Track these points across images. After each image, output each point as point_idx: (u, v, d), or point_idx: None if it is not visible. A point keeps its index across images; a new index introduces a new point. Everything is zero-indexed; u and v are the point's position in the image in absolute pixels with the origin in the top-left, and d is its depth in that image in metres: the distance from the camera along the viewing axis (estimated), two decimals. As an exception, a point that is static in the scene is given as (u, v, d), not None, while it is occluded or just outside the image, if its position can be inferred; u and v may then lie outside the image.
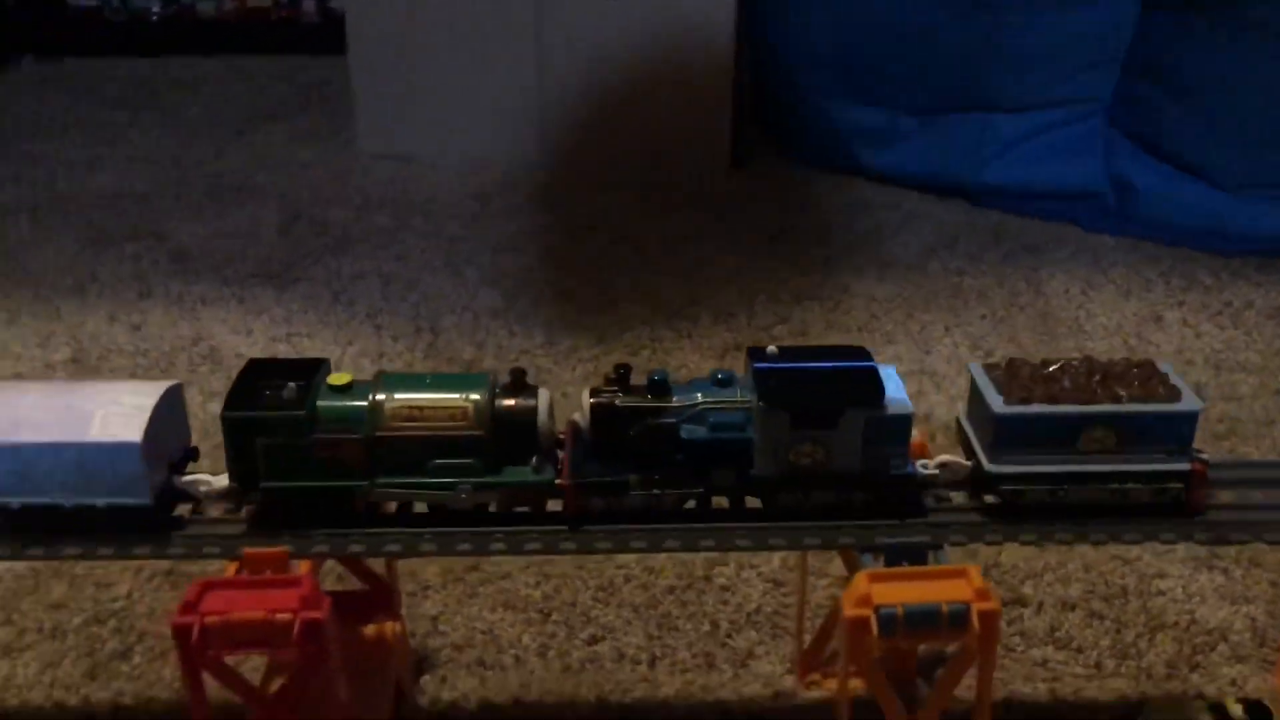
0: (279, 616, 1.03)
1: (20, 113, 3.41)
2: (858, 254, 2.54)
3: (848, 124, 2.87)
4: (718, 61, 2.91)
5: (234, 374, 1.14)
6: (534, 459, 1.11)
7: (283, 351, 2.13)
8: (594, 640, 1.47)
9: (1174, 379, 1.13)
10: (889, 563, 1.12)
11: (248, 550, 1.10)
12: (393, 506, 1.15)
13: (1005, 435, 1.10)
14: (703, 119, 2.96)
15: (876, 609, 1.01)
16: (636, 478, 1.11)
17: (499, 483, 1.11)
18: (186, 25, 3.95)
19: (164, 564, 1.56)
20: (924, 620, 1.01)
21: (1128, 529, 1.13)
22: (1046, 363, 1.14)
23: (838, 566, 1.44)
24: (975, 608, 1.01)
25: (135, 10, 3.93)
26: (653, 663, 1.44)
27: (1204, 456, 1.13)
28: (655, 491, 1.11)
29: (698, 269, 2.49)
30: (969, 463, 1.15)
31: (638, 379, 1.12)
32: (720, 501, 1.15)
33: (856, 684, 1.09)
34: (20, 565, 1.56)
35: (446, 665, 1.42)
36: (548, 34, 2.89)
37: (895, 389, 1.10)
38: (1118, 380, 1.11)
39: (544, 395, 1.12)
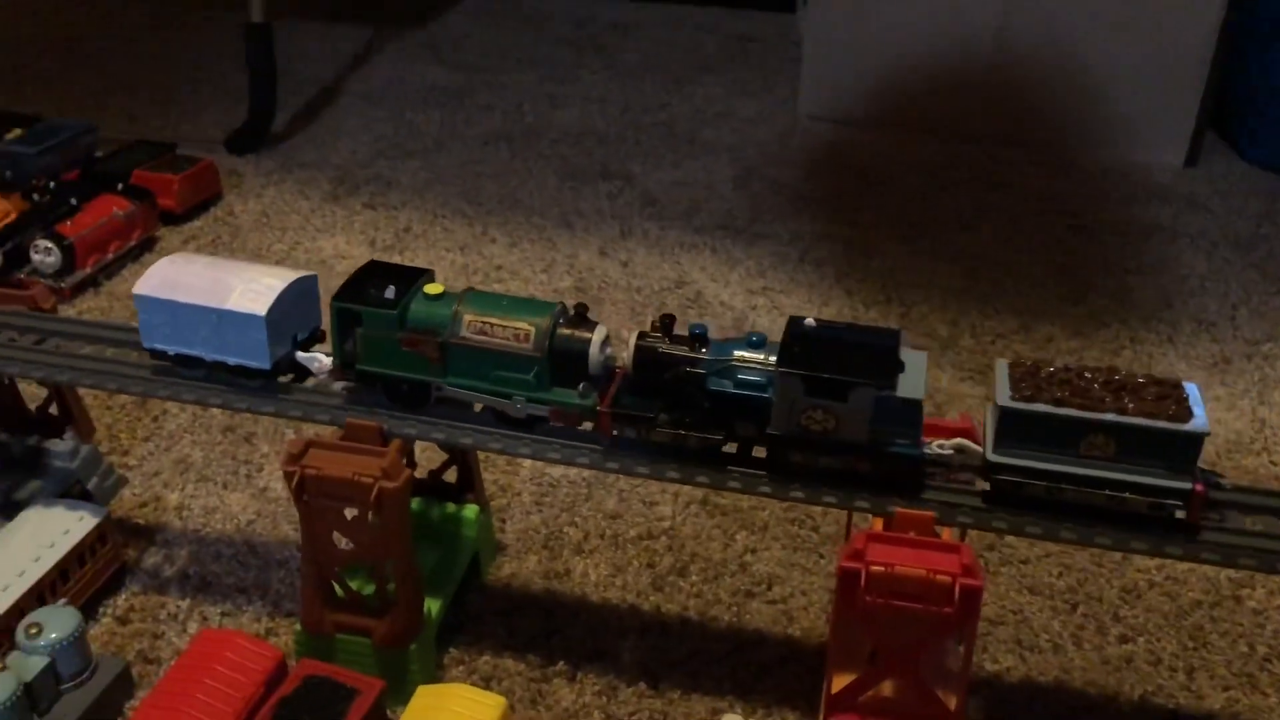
0: (939, 577, 1.12)
1: (478, 43, 3.70)
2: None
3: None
4: (1194, 57, 2.78)
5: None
6: (581, 384, 1.24)
7: (760, 305, 2.24)
8: (1125, 639, 1.49)
9: (1193, 403, 1.13)
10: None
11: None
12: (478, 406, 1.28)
13: (1008, 428, 1.15)
14: (1167, 112, 2.85)
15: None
16: (666, 417, 1.21)
17: (548, 400, 1.25)
18: (621, -29, 4.13)
19: (699, 493, 1.70)
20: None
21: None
22: (1070, 368, 1.17)
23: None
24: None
25: (575, -47, 4.16)
26: (1190, 673, 1.45)
27: (1219, 480, 1.15)
28: (681, 431, 1.21)
29: (1164, 268, 2.42)
30: (981, 450, 1.19)
31: (681, 330, 1.23)
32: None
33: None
34: (574, 474, 1.74)
35: (984, 638, 1.48)
36: (1014, 9, 2.85)
37: (914, 375, 1.15)
38: (1132, 394, 1.14)
39: (600, 330, 1.24)
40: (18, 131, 2.57)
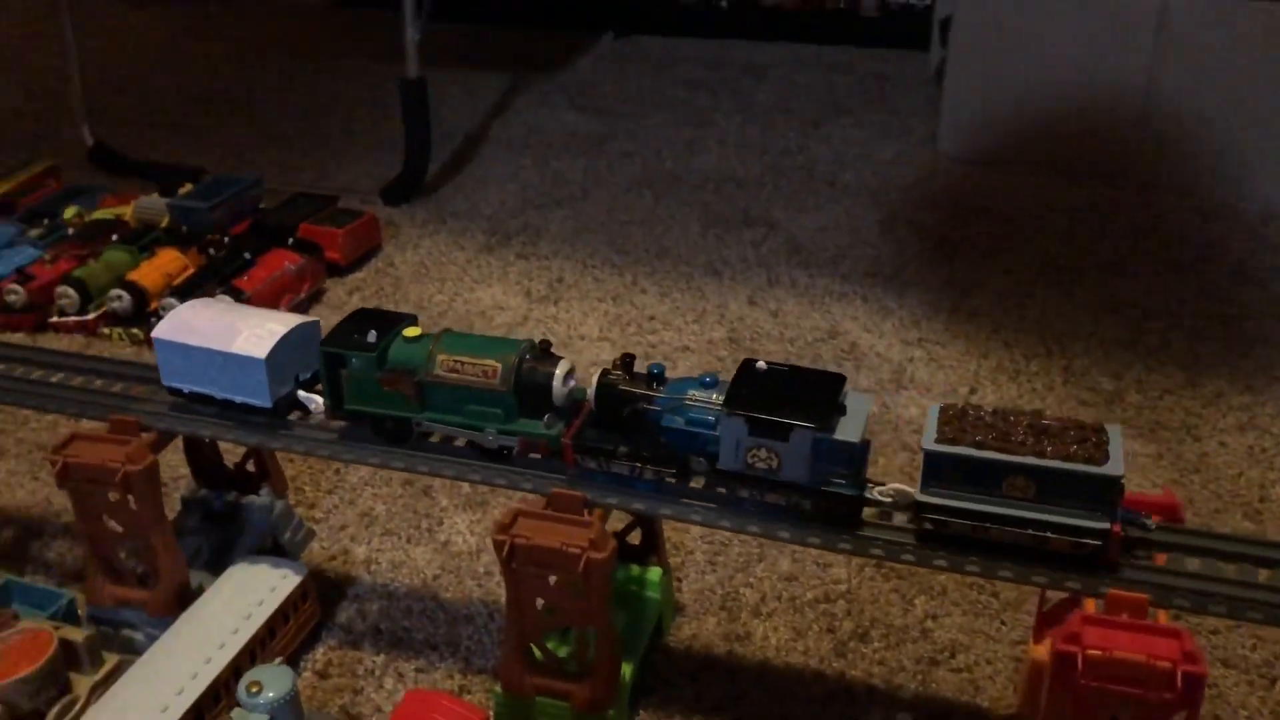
0: (1160, 663, 1.11)
1: (612, 88, 3.76)
2: None
3: None
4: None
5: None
6: (547, 416, 1.33)
7: (917, 357, 2.23)
8: (1330, 718, 1.45)
9: (1113, 446, 1.17)
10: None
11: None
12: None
13: (932, 470, 1.20)
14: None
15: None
16: (625, 449, 1.30)
17: (516, 430, 1.34)
18: (750, 11, 4.17)
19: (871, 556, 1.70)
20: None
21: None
22: (997, 412, 1.22)
23: None
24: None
25: (706, -6, 4.21)
26: (1404, 756, 1.40)
27: (1145, 521, 1.21)
28: (637, 464, 1.30)
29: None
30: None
31: (641, 368, 1.32)
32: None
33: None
34: (748, 538, 1.75)
35: (1180, 713, 1.45)
36: (1166, 46, 2.80)
37: (855, 419, 1.23)
38: (1054, 438, 1.18)
39: (563, 365, 1.33)
40: (188, 186, 2.71)
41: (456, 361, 1.35)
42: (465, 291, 2.51)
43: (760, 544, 1.74)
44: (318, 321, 1.49)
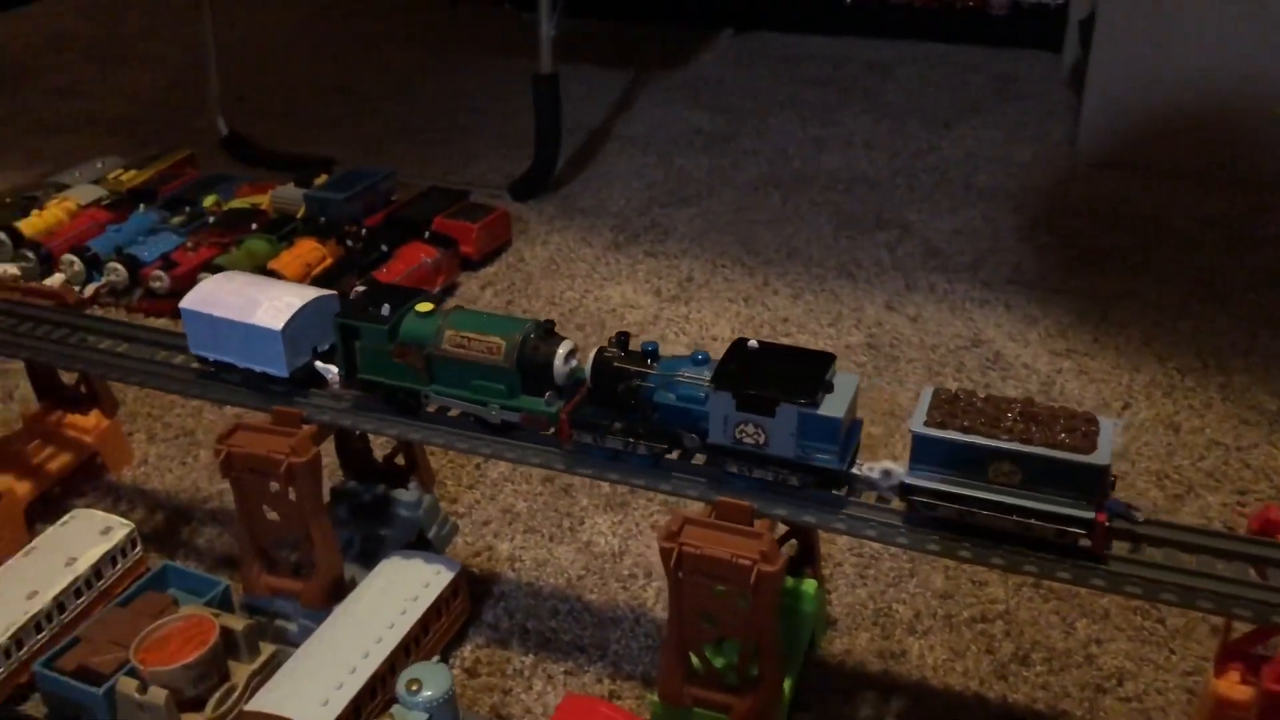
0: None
1: (735, 85, 3.72)
2: None
3: None
4: None
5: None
6: (548, 394, 1.36)
7: (1066, 369, 2.15)
8: None
9: (1102, 437, 1.15)
10: None
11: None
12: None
13: (920, 452, 1.21)
14: None
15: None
16: (620, 425, 1.32)
17: (518, 406, 1.38)
18: (874, 8, 4.09)
19: (1031, 577, 1.64)
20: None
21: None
22: (991, 399, 1.22)
23: None
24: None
25: (829, -9, 4.14)
26: None
27: (1134, 513, 1.20)
28: (630, 439, 1.32)
29: None
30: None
31: (636, 346, 1.34)
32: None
33: None
34: (898, 552, 1.70)
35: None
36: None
37: (841, 396, 1.24)
38: (1042, 425, 1.17)
39: (565, 345, 1.36)
40: (323, 177, 2.74)
41: (464, 338, 1.39)
42: (595, 289, 2.49)
43: (911, 558, 1.69)
44: (335, 294, 1.54)
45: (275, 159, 3.13)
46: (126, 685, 1.35)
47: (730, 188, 2.98)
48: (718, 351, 1.31)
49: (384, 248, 2.43)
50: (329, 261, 2.42)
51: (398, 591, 1.50)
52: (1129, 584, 1.17)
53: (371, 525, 1.65)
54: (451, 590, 1.53)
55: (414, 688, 1.33)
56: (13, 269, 2.46)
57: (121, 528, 1.62)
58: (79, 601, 1.55)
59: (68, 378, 1.89)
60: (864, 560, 1.70)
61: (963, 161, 3.07)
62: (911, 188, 2.93)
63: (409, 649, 1.45)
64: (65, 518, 1.64)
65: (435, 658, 1.43)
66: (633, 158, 3.18)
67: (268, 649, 1.46)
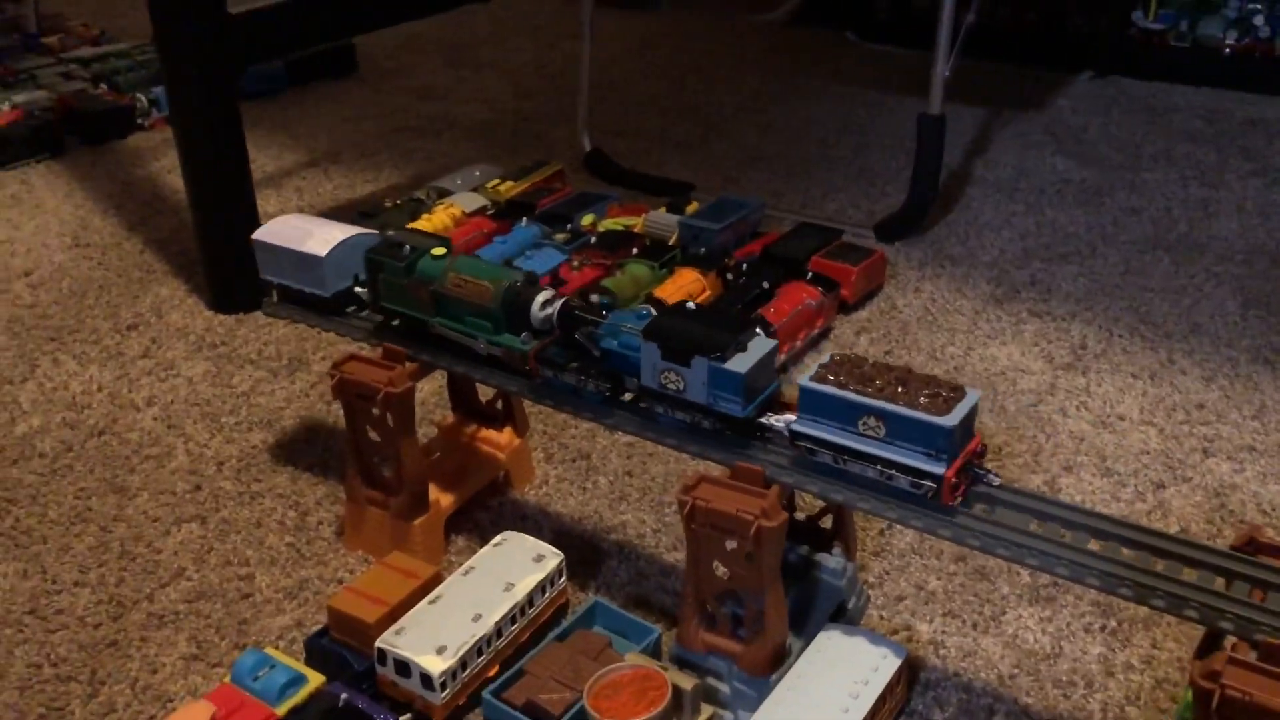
0: None
1: (1101, 134, 3.50)
2: None
3: None
4: None
5: None
6: (524, 334, 1.59)
7: None
8: None
9: (961, 405, 1.29)
10: None
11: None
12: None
13: (805, 403, 1.37)
14: None
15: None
16: (575, 365, 1.55)
17: (499, 342, 1.61)
18: (1257, 60, 3.78)
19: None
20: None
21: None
22: (878, 365, 1.37)
23: None
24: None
25: (1203, 39, 3.84)
26: None
27: (989, 475, 1.35)
28: (582, 377, 1.54)
29: None
30: None
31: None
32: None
33: None
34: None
35: None
36: None
37: (753, 354, 1.41)
38: (910, 388, 1.32)
39: (545, 294, 1.58)
40: (694, 204, 2.72)
41: (462, 280, 1.62)
42: (979, 346, 2.36)
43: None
44: (375, 233, 1.80)
45: (635, 178, 3.15)
46: (586, 733, 1.34)
47: (1113, 247, 2.79)
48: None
49: (765, 284, 2.38)
50: (708, 294, 2.40)
51: (844, 673, 1.43)
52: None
53: (795, 588, 1.59)
54: (897, 677, 1.44)
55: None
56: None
57: (553, 557, 1.63)
58: (513, 628, 1.56)
59: (484, 393, 1.92)
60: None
61: (1383, 241, 2.77)
62: (1327, 268, 2.66)
63: (861, 735, 1.37)
64: (498, 539, 1.67)
65: (892, 753, 1.35)
66: (999, 204, 3.03)
67: (708, 710, 1.42)
